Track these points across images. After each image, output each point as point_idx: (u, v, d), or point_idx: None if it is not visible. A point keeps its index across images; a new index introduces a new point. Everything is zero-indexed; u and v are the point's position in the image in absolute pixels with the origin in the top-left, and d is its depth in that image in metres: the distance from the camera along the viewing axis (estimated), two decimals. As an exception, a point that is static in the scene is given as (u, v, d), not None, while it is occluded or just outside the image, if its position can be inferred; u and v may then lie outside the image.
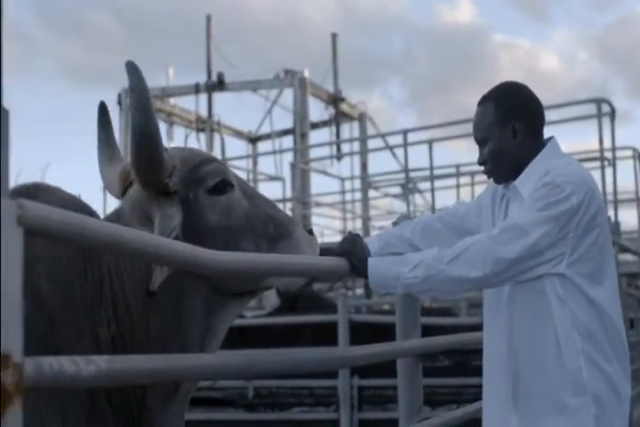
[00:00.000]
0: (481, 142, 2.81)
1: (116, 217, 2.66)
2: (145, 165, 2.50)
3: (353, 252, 2.74)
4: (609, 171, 10.40)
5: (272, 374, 2.32)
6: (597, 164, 10.42)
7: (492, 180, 2.87)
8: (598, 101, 10.65)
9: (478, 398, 2.88)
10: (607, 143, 10.45)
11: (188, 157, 2.68)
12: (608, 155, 10.47)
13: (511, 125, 2.75)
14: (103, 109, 2.93)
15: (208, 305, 2.62)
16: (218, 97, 18.53)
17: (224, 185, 2.67)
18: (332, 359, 2.69)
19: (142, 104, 2.43)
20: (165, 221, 2.52)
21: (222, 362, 2.07)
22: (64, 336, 2.45)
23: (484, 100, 2.82)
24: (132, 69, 2.43)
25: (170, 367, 1.85)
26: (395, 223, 3.19)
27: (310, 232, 2.85)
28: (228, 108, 32.11)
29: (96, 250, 2.51)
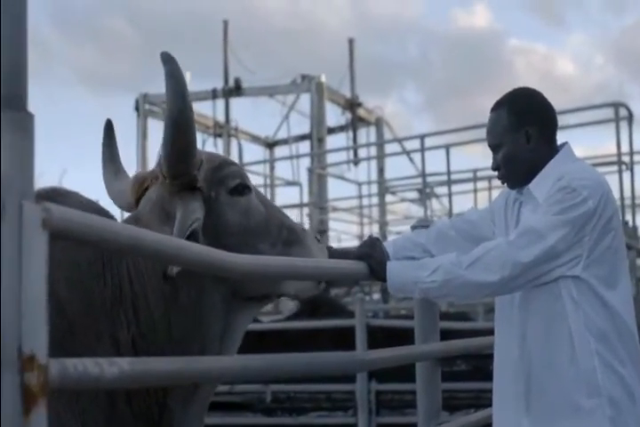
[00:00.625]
0: (494, 148, 2.81)
1: (134, 220, 2.67)
2: (179, 153, 2.51)
3: (372, 255, 2.76)
4: (626, 175, 10.38)
5: (292, 376, 2.33)
6: (615, 168, 10.42)
7: (506, 185, 2.87)
8: (616, 105, 10.65)
9: (496, 402, 2.88)
10: (624, 147, 10.44)
11: (211, 157, 2.73)
12: (626, 159, 10.46)
13: (524, 130, 2.76)
14: (109, 127, 2.98)
15: (227, 306, 2.64)
16: (235, 102, 18.60)
17: (243, 188, 2.72)
18: (353, 362, 2.70)
19: (181, 91, 2.45)
20: (187, 213, 2.54)
21: (243, 364, 2.08)
22: (83, 341, 2.47)
23: (496, 107, 2.83)
24: (169, 59, 2.45)
25: (191, 369, 1.87)
26: (413, 227, 3.20)
27: (319, 241, 2.92)
28: (245, 113, 32.18)
29: (116, 253, 2.53)
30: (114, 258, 2.58)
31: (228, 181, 2.69)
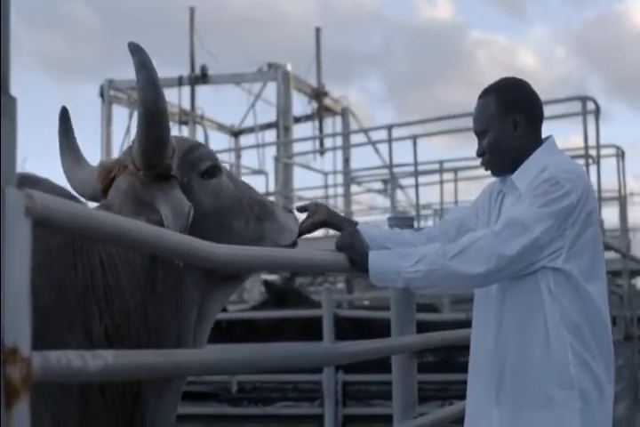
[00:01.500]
0: (480, 134, 2.81)
1: (104, 209, 2.61)
2: (154, 144, 2.49)
3: (353, 246, 2.71)
4: (593, 169, 10.46)
5: (273, 368, 2.30)
6: (582, 161, 10.46)
7: (490, 173, 2.86)
8: (583, 99, 10.73)
9: (464, 394, 2.86)
10: (591, 141, 10.51)
11: (179, 142, 2.69)
12: (592, 153, 10.52)
13: (512, 117, 2.75)
14: (64, 115, 2.92)
15: (201, 291, 2.62)
16: (200, 90, 18.50)
17: (214, 169, 2.71)
18: (335, 355, 2.67)
19: (153, 81, 2.42)
20: (176, 204, 2.51)
21: (231, 357, 2.04)
22: (56, 331, 2.41)
23: (485, 94, 2.82)
24: (137, 49, 2.41)
25: (174, 362, 1.83)
26: (391, 219, 3.17)
27: (289, 211, 2.94)
28: (210, 101, 32.05)
29: (94, 241, 2.48)
30: (85, 246, 2.52)
31: (199, 165, 2.67)
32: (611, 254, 10.14)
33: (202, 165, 2.67)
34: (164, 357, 1.82)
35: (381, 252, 2.69)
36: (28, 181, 2.55)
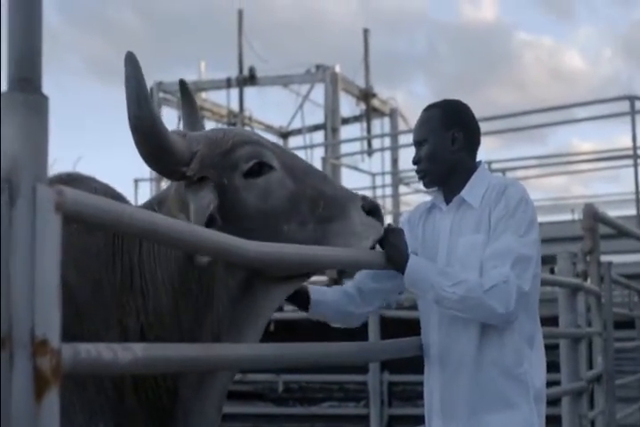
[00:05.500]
0: (420, 143, 2.96)
1: (158, 202, 2.65)
2: (150, 156, 2.44)
3: (396, 245, 2.74)
4: (642, 168, 10.34)
5: (312, 365, 2.31)
6: (630, 161, 10.38)
7: (422, 183, 2.99)
8: (631, 99, 10.64)
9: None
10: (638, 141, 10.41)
11: (219, 140, 2.61)
12: (640, 152, 10.43)
13: (452, 133, 2.92)
14: (183, 87, 2.98)
15: (244, 292, 2.57)
16: (249, 92, 18.58)
17: (260, 167, 2.60)
18: (366, 351, 2.68)
19: (135, 95, 2.33)
20: (197, 202, 2.47)
21: (257, 352, 2.06)
22: (91, 328, 2.44)
23: (430, 108, 3.00)
24: (130, 60, 2.34)
25: (205, 356, 1.85)
26: None
27: (373, 210, 2.69)
28: (258, 102, 32.17)
29: (129, 238, 2.51)
30: (125, 243, 2.54)
31: (241, 164, 2.58)
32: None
33: (245, 165, 2.58)
34: (195, 350, 1.85)
35: (422, 261, 2.76)
36: (73, 180, 2.59)
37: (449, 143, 2.90)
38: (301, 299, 2.88)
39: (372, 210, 2.69)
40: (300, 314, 3.06)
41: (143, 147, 2.40)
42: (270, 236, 2.47)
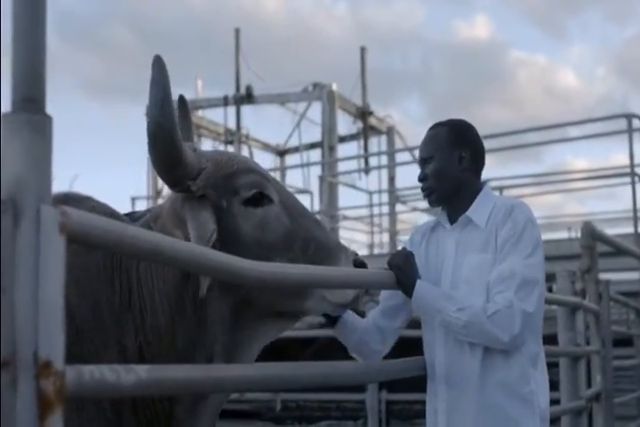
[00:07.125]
0: (426, 160, 2.93)
1: (154, 217, 2.65)
2: (161, 162, 2.42)
3: (402, 268, 2.76)
4: (639, 187, 10.36)
5: (314, 386, 2.29)
6: (627, 179, 10.41)
7: (427, 200, 2.97)
8: (629, 116, 10.67)
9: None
10: (637, 159, 10.45)
11: (224, 163, 2.61)
12: (638, 171, 10.45)
13: (459, 152, 2.90)
14: (182, 103, 2.96)
15: (237, 319, 2.56)
16: (245, 110, 18.61)
17: (261, 198, 2.60)
18: (367, 372, 2.66)
19: (159, 99, 2.31)
20: (201, 225, 2.44)
21: (263, 373, 2.04)
22: (91, 347, 2.43)
23: (436, 126, 2.98)
24: (156, 63, 2.32)
25: (210, 378, 1.84)
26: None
27: (361, 264, 2.73)
28: (255, 120, 32.23)
29: (130, 258, 2.50)
30: (124, 262, 2.54)
31: (242, 191, 2.57)
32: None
33: (246, 193, 2.57)
34: (197, 372, 1.83)
35: (429, 285, 2.75)
36: (70, 199, 2.58)
37: (456, 162, 2.88)
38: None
39: (361, 267, 2.73)
40: (305, 332, 3.04)
41: (157, 152, 2.39)
42: None
